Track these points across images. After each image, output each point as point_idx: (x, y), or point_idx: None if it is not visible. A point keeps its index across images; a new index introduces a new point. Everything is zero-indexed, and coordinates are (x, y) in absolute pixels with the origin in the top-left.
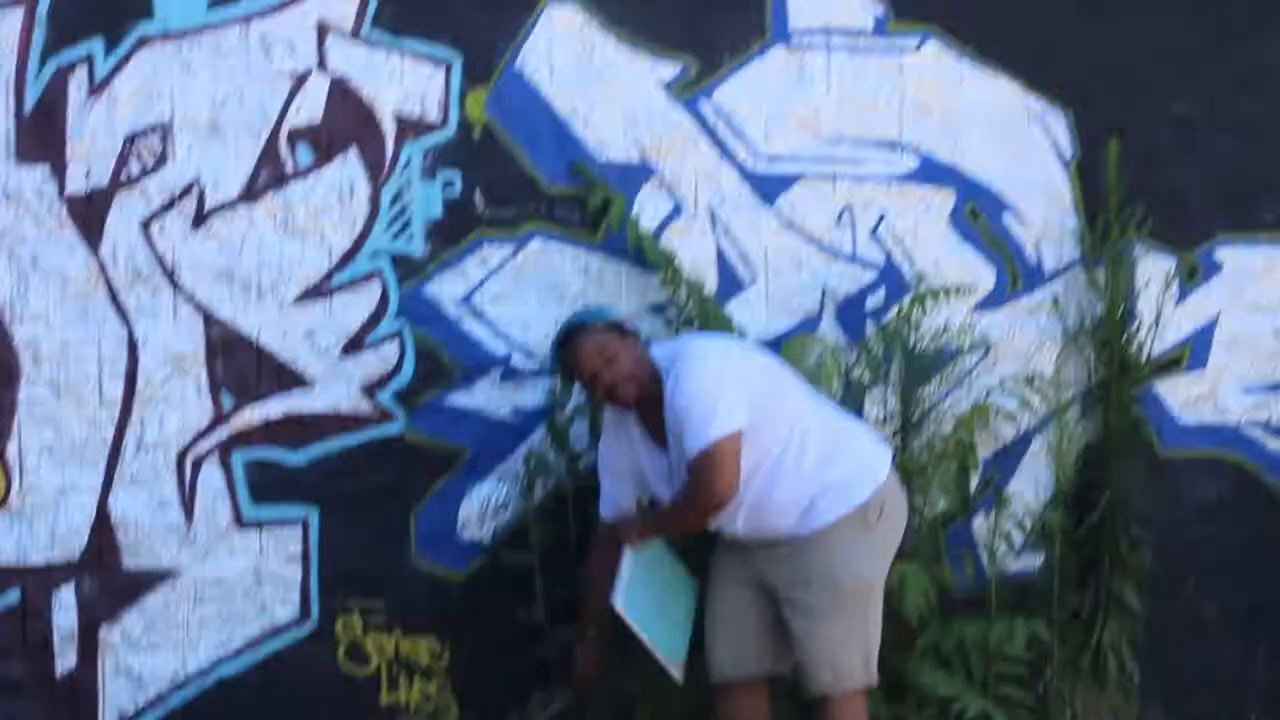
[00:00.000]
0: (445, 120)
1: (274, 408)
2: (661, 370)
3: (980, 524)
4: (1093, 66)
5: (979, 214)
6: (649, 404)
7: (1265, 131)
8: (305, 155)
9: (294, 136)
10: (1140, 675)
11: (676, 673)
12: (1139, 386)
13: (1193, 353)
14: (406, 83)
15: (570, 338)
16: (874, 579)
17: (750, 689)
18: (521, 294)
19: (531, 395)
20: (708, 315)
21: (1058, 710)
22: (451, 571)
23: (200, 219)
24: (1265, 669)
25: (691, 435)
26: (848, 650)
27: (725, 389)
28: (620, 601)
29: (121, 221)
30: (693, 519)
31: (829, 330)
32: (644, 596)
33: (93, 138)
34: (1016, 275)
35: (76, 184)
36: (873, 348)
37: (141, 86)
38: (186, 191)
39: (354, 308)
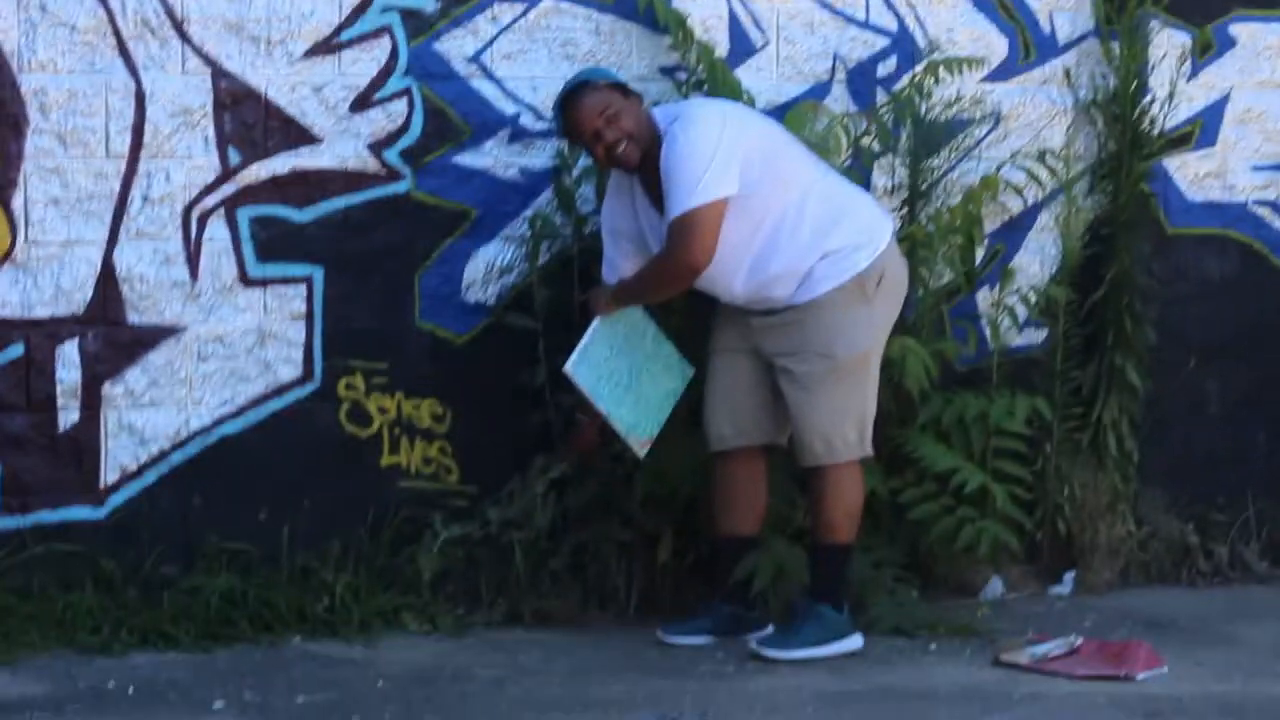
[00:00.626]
0: None
1: (281, 164)
2: (661, 132)
3: (985, 297)
4: None
5: None
6: (650, 166)
7: None
8: None
9: None
10: (1139, 454)
11: (639, 448)
12: (1149, 162)
13: (1203, 129)
14: None
15: (572, 95)
16: (871, 350)
17: (748, 456)
18: (532, 53)
19: (539, 156)
20: (717, 78)
21: (1056, 487)
22: (454, 334)
23: None
24: (1265, 450)
25: (674, 199)
26: (843, 421)
27: (715, 154)
28: (572, 365)
29: None
30: (664, 284)
31: (840, 97)
32: (609, 366)
33: None
34: (1029, 45)
35: None
36: (883, 115)
37: None
38: None
39: (363, 64)
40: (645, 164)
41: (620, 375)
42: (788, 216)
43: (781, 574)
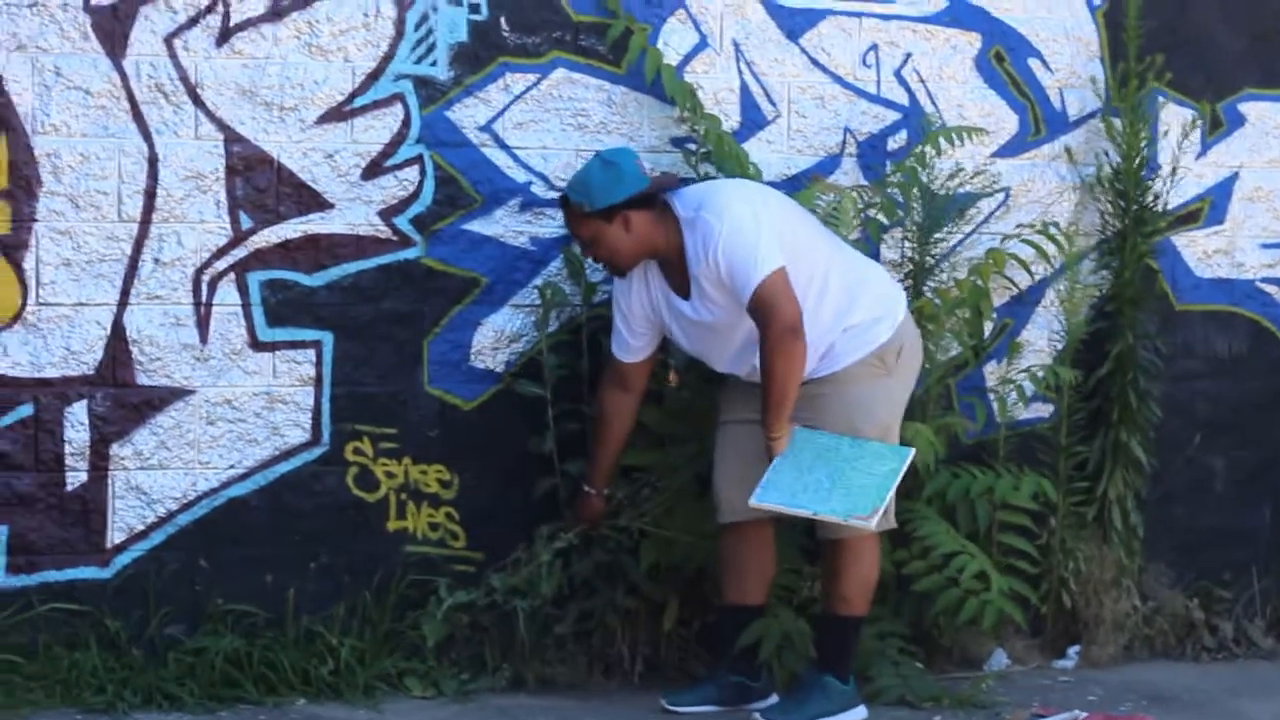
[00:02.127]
0: None
1: (292, 229)
2: (682, 220)
3: (991, 371)
4: None
5: (1004, 58)
6: (672, 254)
7: None
8: None
9: None
10: (1144, 529)
11: (867, 524)
12: (1155, 238)
13: (1212, 206)
14: None
15: (562, 204)
16: (891, 423)
17: (757, 526)
18: (544, 123)
19: (549, 225)
20: (724, 151)
21: (1061, 561)
22: (463, 400)
23: (225, 36)
24: (1270, 526)
25: (742, 281)
26: None
27: (759, 230)
28: (757, 499)
29: (146, 35)
30: (785, 355)
31: (850, 170)
32: (803, 481)
33: None
34: (1040, 122)
35: None
36: (889, 188)
37: None
38: (211, 7)
39: (375, 130)
40: (658, 255)
41: (820, 482)
42: (810, 292)
43: (787, 644)
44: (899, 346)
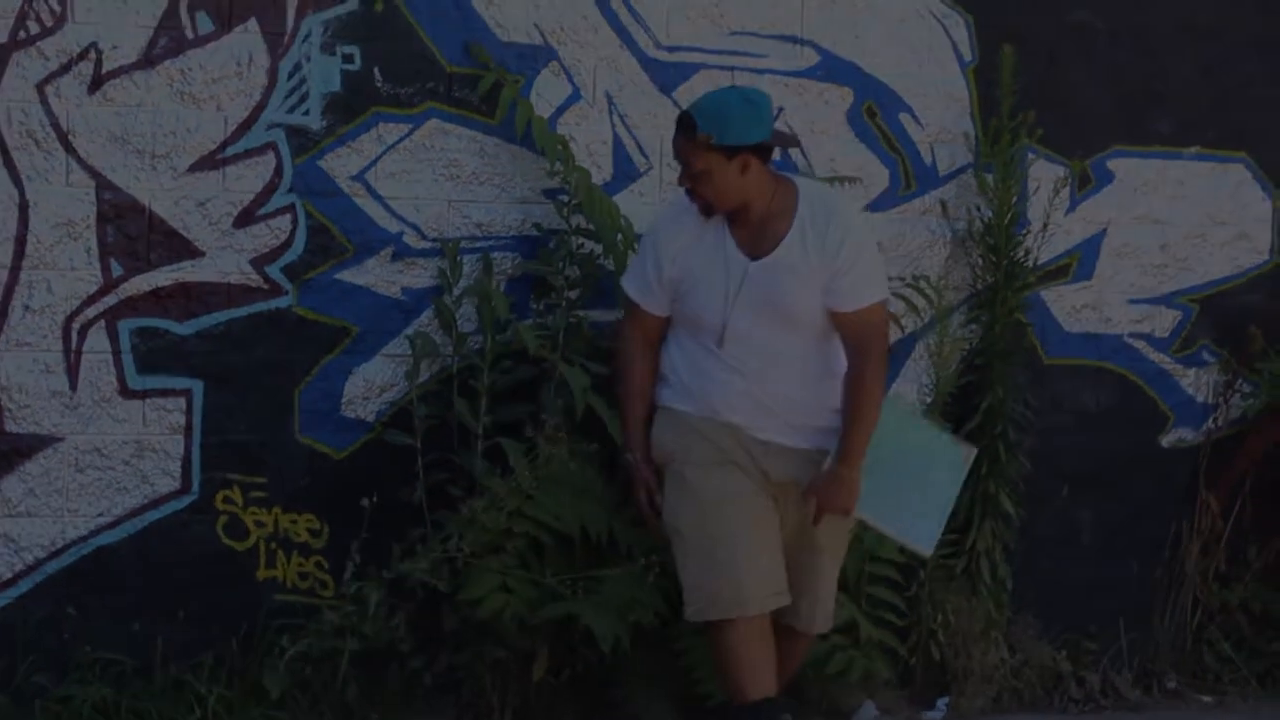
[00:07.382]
0: None
1: (163, 277)
2: (803, 188)
3: None
4: None
5: (875, 113)
6: (763, 213)
7: (1161, 42)
8: (205, 23)
9: (194, 4)
10: (1013, 582)
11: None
12: (1025, 293)
13: (1081, 261)
14: None
15: (679, 126)
16: None
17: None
18: (416, 173)
19: (421, 275)
20: (594, 204)
21: (929, 613)
22: (333, 449)
23: (97, 83)
24: (1137, 579)
25: (861, 288)
26: (833, 590)
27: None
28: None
29: (17, 81)
30: (877, 393)
31: None
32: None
33: None
34: (910, 176)
35: None
36: None
37: None
38: (84, 55)
39: (247, 179)
40: (741, 212)
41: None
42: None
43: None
44: None
